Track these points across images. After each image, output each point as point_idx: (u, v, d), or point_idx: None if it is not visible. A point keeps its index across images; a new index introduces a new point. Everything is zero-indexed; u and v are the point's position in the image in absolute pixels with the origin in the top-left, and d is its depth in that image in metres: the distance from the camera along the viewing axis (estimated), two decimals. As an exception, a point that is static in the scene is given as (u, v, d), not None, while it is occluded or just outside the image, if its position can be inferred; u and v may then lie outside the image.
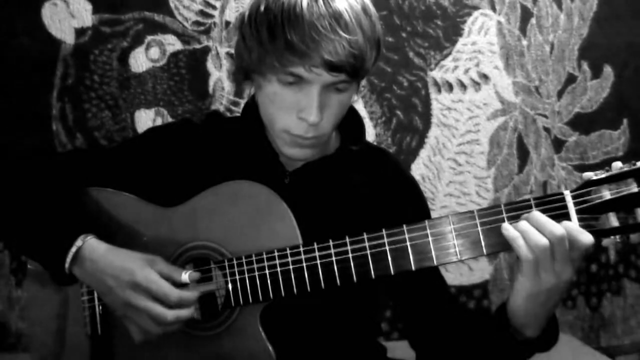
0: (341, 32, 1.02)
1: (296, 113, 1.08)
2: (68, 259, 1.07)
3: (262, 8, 1.06)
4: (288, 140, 1.13)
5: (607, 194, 0.93)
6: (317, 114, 1.06)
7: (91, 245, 1.08)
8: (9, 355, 1.91)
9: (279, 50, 1.03)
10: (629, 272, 2.07)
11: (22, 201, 1.17)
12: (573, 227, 0.94)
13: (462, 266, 2.02)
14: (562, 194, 0.96)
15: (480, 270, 2.03)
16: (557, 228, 0.93)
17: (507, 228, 0.96)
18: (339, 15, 1.03)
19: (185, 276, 1.06)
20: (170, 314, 1.03)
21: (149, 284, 1.03)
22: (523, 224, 0.95)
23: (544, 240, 0.93)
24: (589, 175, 0.96)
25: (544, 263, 0.94)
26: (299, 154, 1.15)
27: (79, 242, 1.07)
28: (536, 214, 0.95)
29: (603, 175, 0.94)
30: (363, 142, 1.25)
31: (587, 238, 0.93)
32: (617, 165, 0.94)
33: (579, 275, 2.05)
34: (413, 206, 1.26)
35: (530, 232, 0.94)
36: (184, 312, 1.05)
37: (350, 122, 1.23)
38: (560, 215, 0.96)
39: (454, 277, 2.02)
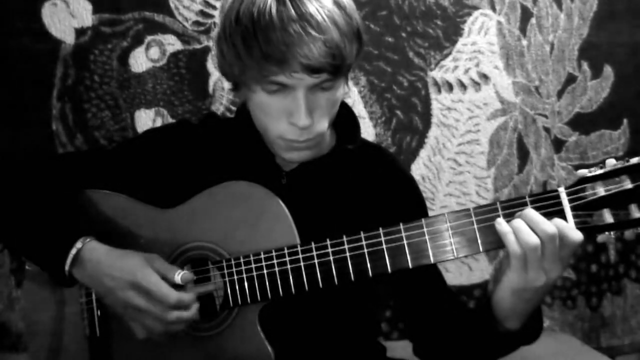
0: (314, 33, 1.01)
1: (286, 119, 1.08)
2: (68, 261, 1.07)
3: (233, 21, 1.05)
4: (284, 146, 1.13)
5: (601, 191, 0.94)
6: (305, 117, 1.06)
7: (91, 247, 1.08)
8: (9, 355, 1.91)
9: (257, 62, 1.02)
10: (629, 272, 2.07)
11: (22, 203, 1.17)
12: (564, 224, 0.95)
13: (462, 266, 2.02)
14: (557, 191, 0.97)
15: (480, 270, 2.03)
16: (549, 226, 0.94)
17: (500, 223, 0.97)
18: (309, 16, 1.01)
19: (177, 277, 1.06)
20: (171, 314, 1.03)
21: (149, 285, 1.03)
22: (517, 221, 0.96)
23: (534, 239, 0.94)
24: (584, 172, 0.97)
25: (532, 260, 0.95)
26: (297, 157, 1.15)
27: (78, 244, 1.08)
28: (530, 212, 0.96)
29: (597, 172, 0.95)
30: (358, 140, 1.24)
31: (577, 235, 0.94)
32: (611, 162, 0.95)
33: (579, 275, 2.04)
34: (410, 202, 1.26)
35: (522, 229, 0.95)
36: (186, 314, 1.05)
37: (345, 121, 1.23)
38: (555, 212, 0.97)
39: (453, 276, 2.01)
